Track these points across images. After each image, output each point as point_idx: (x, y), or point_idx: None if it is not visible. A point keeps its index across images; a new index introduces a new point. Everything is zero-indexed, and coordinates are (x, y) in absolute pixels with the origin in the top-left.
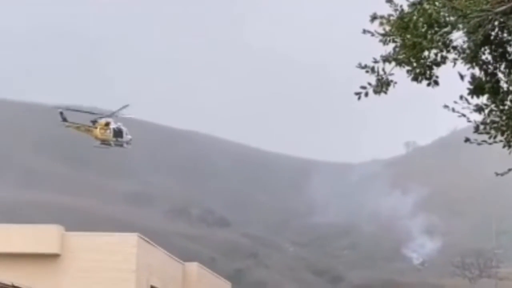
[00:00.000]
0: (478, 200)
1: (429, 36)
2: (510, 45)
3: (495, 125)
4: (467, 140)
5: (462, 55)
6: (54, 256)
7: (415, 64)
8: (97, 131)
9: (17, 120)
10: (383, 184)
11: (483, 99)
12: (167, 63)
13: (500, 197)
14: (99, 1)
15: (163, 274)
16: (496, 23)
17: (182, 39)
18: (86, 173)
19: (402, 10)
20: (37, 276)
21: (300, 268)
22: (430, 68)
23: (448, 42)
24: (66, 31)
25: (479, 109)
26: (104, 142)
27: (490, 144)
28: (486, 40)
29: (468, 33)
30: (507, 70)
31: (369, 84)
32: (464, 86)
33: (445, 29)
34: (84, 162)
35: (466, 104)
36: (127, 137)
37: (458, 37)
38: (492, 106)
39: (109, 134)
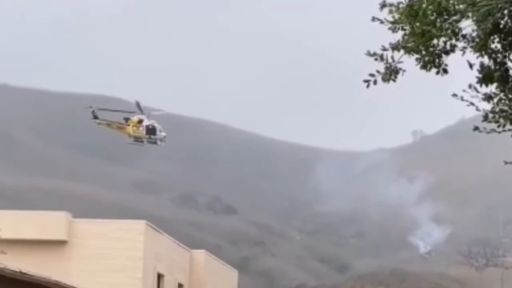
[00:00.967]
0: (485, 189)
1: (438, 24)
2: None
3: (504, 114)
4: (476, 128)
5: (471, 44)
6: (61, 243)
7: (424, 52)
8: (130, 129)
9: (25, 106)
10: (389, 172)
11: (492, 88)
12: (175, 51)
13: (507, 187)
14: None
15: (170, 261)
16: (505, 11)
17: (190, 27)
18: (93, 160)
19: None
20: (44, 263)
21: (306, 256)
22: (439, 57)
23: (457, 30)
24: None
25: (488, 98)
26: (137, 139)
27: (499, 133)
28: (496, 29)
29: (478, 22)
30: None
31: (378, 72)
32: (473, 75)
33: (454, 17)
34: (91, 150)
35: (475, 93)
36: (160, 134)
37: (467, 26)
38: (501, 95)
39: (142, 132)
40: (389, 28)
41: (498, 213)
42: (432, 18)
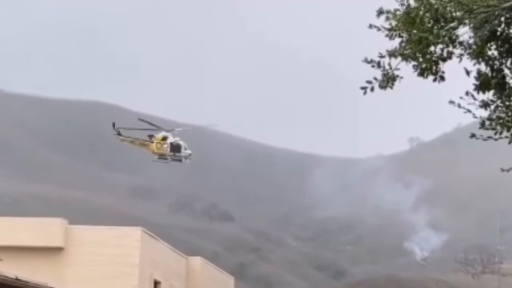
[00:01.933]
0: (481, 196)
1: (435, 31)
2: None
3: (501, 121)
4: (473, 135)
5: (468, 51)
6: (57, 250)
7: (421, 59)
8: (153, 146)
9: (21, 112)
10: (386, 179)
11: (489, 95)
12: (173, 58)
13: (504, 194)
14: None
15: (167, 268)
16: (502, 18)
17: (190, 35)
18: (89, 166)
19: (409, 5)
20: (41, 269)
21: (303, 263)
22: (436, 63)
23: (454, 37)
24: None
25: (485, 105)
26: (162, 156)
27: (496, 140)
28: (492, 36)
29: (474, 29)
30: None
31: (375, 78)
32: (470, 82)
33: (451, 24)
34: (87, 156)
35: (472, 100)
36: (185, 152)
37: (464, 33)
38: (498, 102)
39: (166, 149)
40: (386, 35)
41: (495, 220)
42: (429, 25)
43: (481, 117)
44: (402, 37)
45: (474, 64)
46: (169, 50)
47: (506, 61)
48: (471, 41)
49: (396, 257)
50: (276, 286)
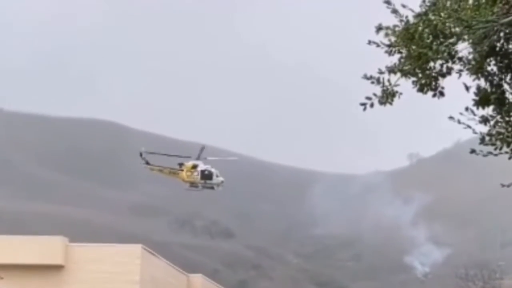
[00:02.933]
0: (482, 212)
1: (434, 47)
2: None
3: (500, 136)
4: (472, 151)
5: (467, 66)
6: (58, 268)
7: (420, 75)
8: (183, 174)
9: (21, 131)
10: (386, 195)
11: (489, 111)
12: (169, 74)
13: (504, 209)
14: (94, 13)
15: (167, 286)
16: (501, 34)
17: (185, 50)
18: (90, 184)
19: (408, 21)
20: (41, 287)
21: (303, 280)
22: (436, 79)
23: (453, 53)
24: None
25: (484, 120)
26: (193, 184)
27: (495, 155)
28: (492, 51)
29: (474, 44)
30: None
31: (375, 95)
32: (470, 97)
33: (451, 40)
34: (88, 174)
35: (471, 116)
36: (217, 179)
37: (464, 48)
38: (498, 117)
39: (196, 177)
40: (386, 51)
41: (495, 235)
42: (428, 41)
43: (480, 133)
44: (401, 53)
45: (474, 80)
46: (162, 66)
47: (506, 76)
48: (470, 56)
49: (396, 273)
50: None
